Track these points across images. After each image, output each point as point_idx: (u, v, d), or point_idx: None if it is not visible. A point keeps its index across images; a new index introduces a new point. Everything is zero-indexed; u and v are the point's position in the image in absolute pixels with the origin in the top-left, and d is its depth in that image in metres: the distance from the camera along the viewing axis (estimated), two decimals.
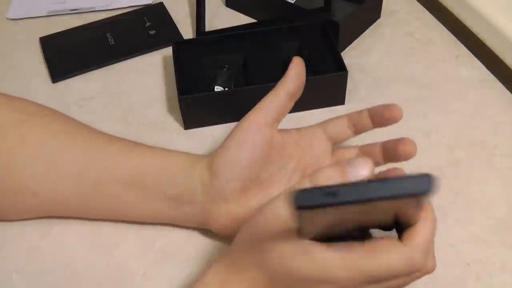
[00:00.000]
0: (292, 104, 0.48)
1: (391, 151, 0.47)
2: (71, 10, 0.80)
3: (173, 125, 0.64)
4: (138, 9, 0.80)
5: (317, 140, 0.50)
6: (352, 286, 0.36)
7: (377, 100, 0.65)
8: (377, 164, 0.48)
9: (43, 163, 0.49)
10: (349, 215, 0.32)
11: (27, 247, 0.52)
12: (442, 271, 0.49)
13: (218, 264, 0.41)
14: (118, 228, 0.53)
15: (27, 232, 0.53)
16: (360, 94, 0.65)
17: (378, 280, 0.36)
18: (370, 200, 0.29)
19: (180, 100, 0.60)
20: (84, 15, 0.79)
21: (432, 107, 0.64)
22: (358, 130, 0.49)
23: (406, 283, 0.38)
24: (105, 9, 0.80)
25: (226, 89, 0.64)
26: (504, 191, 0.55)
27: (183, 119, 0.63)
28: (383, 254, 0.35)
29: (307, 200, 0.29)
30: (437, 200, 0.54)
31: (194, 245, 0.52)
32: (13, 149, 0.48)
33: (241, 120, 0.47)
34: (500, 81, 0.66)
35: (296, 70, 0.47)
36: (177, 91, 0.61)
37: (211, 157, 0.48)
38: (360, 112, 0.48)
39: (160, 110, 0.66)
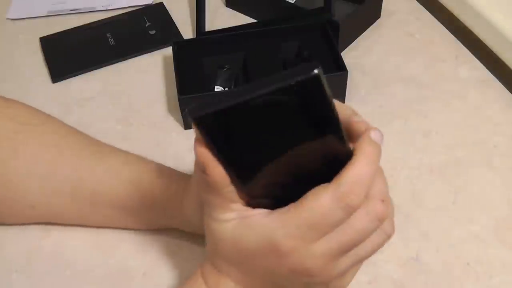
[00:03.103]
0: None
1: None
2: (71, 10, 0.80)
3: (173, 125, 0.64)
4: (138, 9, 0.80)
5: None
6: (296, 246, 0.34)
7: (377, 100, 0.65)
8: None
9: (37, 178, 0.49)
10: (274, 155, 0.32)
11: (27, 247, 0.52)
12: (442, 271, 0.49)
13: (206, 262, 0.41)
14: (118, 229, 0.53)
15: (27, 232, 0.53)
16: (360, 94, 0.65)
17: (317, 226, 0.33)
18: (250, 98, 0.29)
19: (180, 100, 0.60)
20: (84, 15, 0.79)
21: (432, 107, 0.64)
22: None
23: (363, 230, 0.34)
24: (105, 9, 0.80)
25: (226, 89, 0.64)
26: (504, 191, 0.55)
27: (183, 119, 0.63)
28: (311, 199, 0.33)
29: (198, 111, 0.30)
30: (437, 200, 0.55)
31: (194, 245, 0.52)
32: (7, 162, 0.48)
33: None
34: (500, 81, 0.66)
35: None
36: (177, 91, 0.61)
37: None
38: None
39: (160, 110, 0.66)
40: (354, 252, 0.35)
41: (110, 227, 0.53)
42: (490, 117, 0.62)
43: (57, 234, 0.53)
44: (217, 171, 0.34)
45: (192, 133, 0.69)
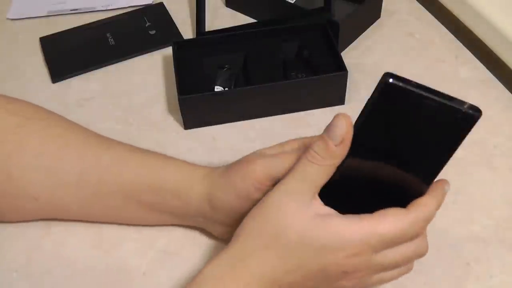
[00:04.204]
0: None
1: None
2: (71, 10, 0.80)
3: (173, 125, 0.64)
4: (138, 9, 0.80)
5: None
6: (364, 251, 0.38)
7: None
8: None
9: (41, 170, 0.49)
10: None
11: (27, 247, 0.52)
12: (442, 271, 0.49)
13: (219, 256, 0.41)
14: (119, 228, 0.53)
15: (27, 232, 0.53)
16: (360, 94, 0.65)
17: (388, 243, 0.38)
18: (440, 98, 0.35)
19: (180, 100, 0.60)
20: (84, 15, 0.79)
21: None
22: None
23: (410, 258, 0.41)
24: (105, 9, 0.80)
25: (226, 89, 0.64)
26: (504, 191, 0.55)
27: (183, 119, 0.63)
28: (391, 217, 0.38)
29: (398, 80, 0.35)
30: None
31: (195, 245, 0.52)
32: (11, 155, 0.48)
33: (247, 170, 0.44)
34: (500, 81, 0.66)
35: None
36: (177, 91, 0.61)
37: (211, 188, 0.47)
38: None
39: (160, 110, 0.66)
40: (389, 273, 0.41)
41: (111, 223, 0.52)
42: (490, 117, 0.62)
43: (57, 234, 0.53)
44: (346, 146, 0.38)
45: (192, 133, 0.69)
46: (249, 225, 0.40)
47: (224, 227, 0.48)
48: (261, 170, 0.43)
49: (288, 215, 0.38)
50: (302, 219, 0.38)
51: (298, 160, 0.40)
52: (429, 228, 0.52)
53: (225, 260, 0.40)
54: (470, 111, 0.35)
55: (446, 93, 0.35)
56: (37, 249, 0.52)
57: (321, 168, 0.39)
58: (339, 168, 0.39)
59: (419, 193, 0.39)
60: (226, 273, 0.39)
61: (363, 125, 0.37)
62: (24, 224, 0.53)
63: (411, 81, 0.35)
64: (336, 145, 0.38)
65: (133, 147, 0.51)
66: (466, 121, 0.36)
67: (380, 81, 0.36)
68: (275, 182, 0.42)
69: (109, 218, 0.52)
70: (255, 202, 0.42)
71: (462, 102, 0.35)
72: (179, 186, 0.48)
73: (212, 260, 0.41)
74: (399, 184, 0.39)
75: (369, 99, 0.37)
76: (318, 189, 0.39)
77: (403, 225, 0.38)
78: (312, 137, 0.43)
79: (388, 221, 0.38)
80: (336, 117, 0.38)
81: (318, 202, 0.39)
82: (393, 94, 0.35)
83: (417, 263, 0.49)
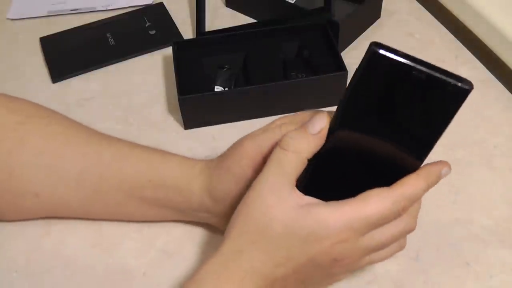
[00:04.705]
0: None
1: None
2: (71, 10, 0.80)
3: (173, 125, 0.64)
4: (138, 9, 0.80)
5: None
6: (349, 236, 0.38)
7: None
8: None
9: (42, 167, 0.49)
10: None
11: (27, 247, 0.52)
12: (442, 271, 0.49)
13: (214, 255, 0.41)
14: (118, 228, 0.53)
15: (27, 232, 0.53)
16: None
17: (373, 224, 0.38)
18: (430, 70, 0.34)
19: (180, 100, 0.60)
20: (84, 15, 0.79)
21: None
22: None
23: (398, 236, 0.40)
24: (105, 9, 0.80)
25: (226, 89, 0.64)
26: (504, 191, 0.55)
27: (183, 119, 0.63)
28: (374, 198, 0.38)
29: (386, 50, 0.34)
30: (437, 200, 0.55)
31: (195, 245, 0.52)
32: (12, 152, 0.48)
33: (241, 152, 0.44)
34: (500, 81, 0.66)
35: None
36: (177, 91, 0.61)
37: (211, 179, 0.47)
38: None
39: (160, 110, 0.66)
40: (379, 253, 0.41)
41: (112, 220, 0.52)
42: (490, 117, 0.62)
43: (57, 234, 0.53)
44: (322, 138, 0.39)
45: (192, 133, 0.69)
46: (237, 222, 0.40)
47: (228, 219, 0.48)
48: (251, 148, 0.44)
49: (270, 209, 0.38)
50: (284, 211, 0.38)
51: (273, 149, 0.40)
52: (429, 227, 0.52)
53: (218, 259, 0.40)
54: (460, 84, 0.34)
55: (437, 65, 0.34)
56: (37, 249, 0.52)
57: (296, 157, 0.39)
58: (323, 151, 0.39)
59: (410, 172, 0.38)
60: (221, 273, 0.40)
61: (349, 99, 0.36)
62: (24, 224, 0.53)
63: (399, 51, 0.34)
64: (313, 134, 0.38)
65: (133, 143, 0.51)
66: (457, 95, 0.35)
67: (367, 51, 0.34)
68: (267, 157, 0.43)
69: (110, 215, 0.52)
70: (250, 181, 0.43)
71: (452, 75, 0.34)
72: (179, 182, 0.48)
73: (208, 259, 0.41)
74: (388, 162, 0.38)
75: (356, 71, 0.35)
76: (295, 178, 0.39)
77: (386, 205, 0.38)
78: (302, 113, 0.44)
79: (371, 203, 0.38)
80: (316, 113, 0.39)
81: (297, 192, 0.39)
82: (381, 64, 0.34)
83: (417, 263, 0.50)
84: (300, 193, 0.39)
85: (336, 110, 0.38)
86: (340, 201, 0.38)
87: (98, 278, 0.50)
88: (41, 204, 0.50)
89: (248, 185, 0.42)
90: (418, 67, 0.34)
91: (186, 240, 0.52)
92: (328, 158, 0.39)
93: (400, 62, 0.34)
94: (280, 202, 0.38)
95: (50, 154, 0.49)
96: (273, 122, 0.45)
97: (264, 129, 0.44)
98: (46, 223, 0.53)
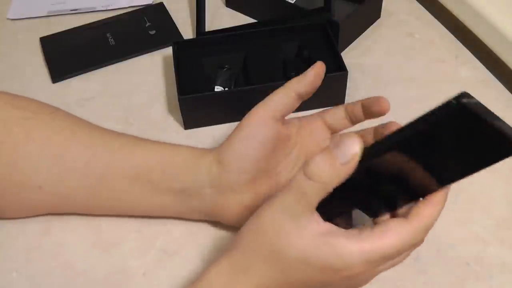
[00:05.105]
0: (300, 103, 0.49)
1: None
2: (71, 10, 0.80)
3: (173, 125, 0.64)
4: (138, 9, 0.80)
5: (317, 128, 0.51)
6: (367, 269, 0.38)
7: None
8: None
9: (48, 158, 0.49)
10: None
11: (27, 247, 0.52)
12: (442, 271, 0.49)
13: (221, 263, 0.41)
14: (118, 227, 0.53)
15: (27, 232, 0.53)
16: (360, 94, 0.65)
17: (389, 258, 0.38)
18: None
19: (180, 100, 0.60)
20: (84, 15, 0.79)
21: (432, 107, 0.63)
22: (353, 121, 0.49)
23: (406, 256, 0.41)
24: (105, 9, 0.80)
25: (226, 89, 0.64)
26: (504, 191, 0.55)
27: (183, 119, 0.63)
28: (392, 232, 0.37)
29: (475, 106, 0.33)
30: None
31: (195, 244, 0.52)
32: (17, 146, 0.48)
33: (249, 114, 0.48)
34: (500, 81, 0.66)
35: (316, 72, 0.48)
36: (177, 91, 0.61)
37: (219, 150, 0.48)
38: (355, 103, 0.49)
39: (160, 110, 0.66)
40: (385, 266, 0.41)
41: (112, 216, 0.52)
42: None
43: (57, 233, 0.53)
44: (352, 167, 0.36)
45: (192, 133, 0.69)
46: (248, 237, 0.40)
47: (232, 198, 0.48)
48: (262, 108, 0.47)
49: (287, 235, 0.38)
50: (302, 238, 0.37)
51: (295, 174, 0.38)
52: None
53: (227, 269, 0.40)
54: None
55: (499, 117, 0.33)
56: (37, 249, 0.52)
57: (321, 188, 0.36)
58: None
59: (427, 192, 0.38)
60: (230, 283, 0.40)
61: (408, 136, 0.35)
62: (24, 223, 0.53)
63: (484, 106, 0.33)
64: (342, 164, 0.35)
65: (140, 137, 0.52)
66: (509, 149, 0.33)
67: (453, 99, 0.33)
68: (276, 117, 0.47)
69: (113, 204, 0.51)
70: (264, 145, 0.46)
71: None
72: (187, 161, 0.49)
73: (215, 265, 0.41)
74: (411, 185, 0.37)
75: (428, 115, 0.35)
76: (315, 205, 0.37)
77: (405, 240, 0.37)
78: (311, 69, 0.48)
79: (390, 237, 0.37)
80: (347, 135, 0.38)
81: (317, 219, 0.38)
82: (463, 118, 0.33)
83: (417, 263, 0.50)
84: (319, 218, 0.38)
85: (381, 140, 0.36)
86: (359, 231, 0.37)
87: (98, 279, 0.50)
88: (43, 196, 0.50)
89: (259, 146, 0.46)
90: (494, 123, 0.32)
91: (186, 240, 0.52)
92: (352, 180, 0.37)
93: (483, 118, 0.33)
94: (299, 230, 0.37)
95: (56, 146, 0.49)
96: (284, 85, 0.48)
97: (275, 93, 0.47)
98: (46, 223, 0.53)
